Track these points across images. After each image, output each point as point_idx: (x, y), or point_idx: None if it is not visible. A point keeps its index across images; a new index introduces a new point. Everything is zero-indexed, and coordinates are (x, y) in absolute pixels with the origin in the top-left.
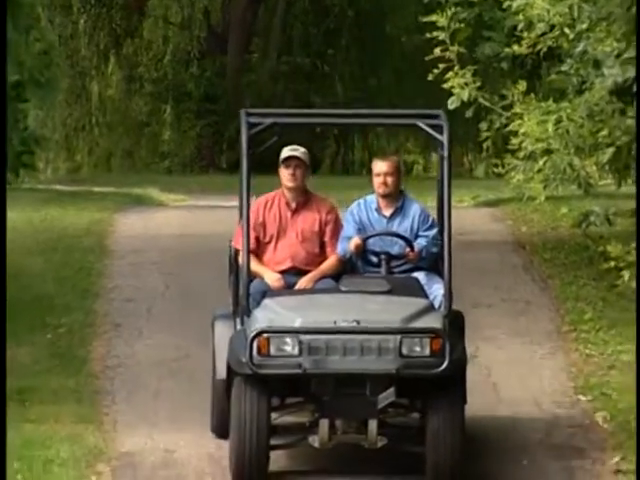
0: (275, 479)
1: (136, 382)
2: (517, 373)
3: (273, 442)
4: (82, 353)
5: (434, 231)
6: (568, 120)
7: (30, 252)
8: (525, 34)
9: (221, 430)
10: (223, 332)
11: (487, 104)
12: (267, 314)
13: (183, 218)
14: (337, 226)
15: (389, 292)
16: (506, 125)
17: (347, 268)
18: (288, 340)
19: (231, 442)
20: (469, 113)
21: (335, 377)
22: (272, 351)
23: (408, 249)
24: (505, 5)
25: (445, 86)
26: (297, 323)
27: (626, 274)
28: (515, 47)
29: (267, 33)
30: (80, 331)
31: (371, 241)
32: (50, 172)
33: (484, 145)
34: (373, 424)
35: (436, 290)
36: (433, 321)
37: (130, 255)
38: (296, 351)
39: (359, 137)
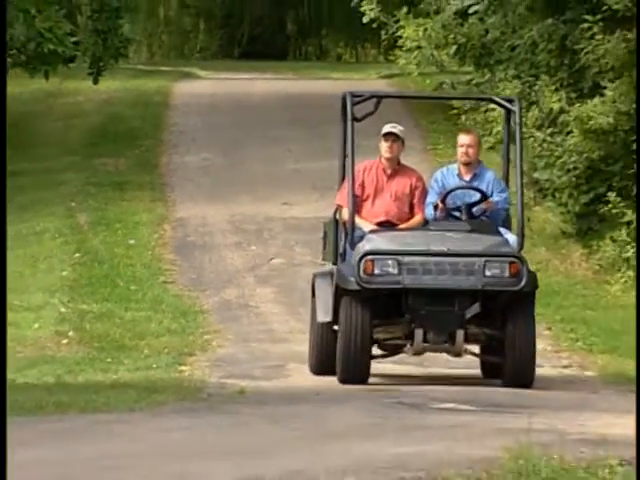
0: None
1: (186, 178)
2: None
3: (374, 352)
4: (155, 161)
5: (506, 193)
6: (430, 29)
7: (125, 104)
8: None
9: (319, 369)
10: (322, 285)
11: (385, 20)
12: (371, 243)
13: (212, 85)
14: (423, 191)
15: (470, 231)
16: (396, 32)
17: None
18: (389, 262)
19: (338, 349)
20: (374, 25)
21: (429, 292)
22: (376, 270)
23: (484, 200)
24: None
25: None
26: (396, 247)
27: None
28: None
29: None
30: (153, 149)
31: (452, 199)
32: (135, 58)
33: (383, 43)
34: (460, 334)
35: (507, 235)
36: (511, 250)
37: (182, 106)
38: (396, 270)
39: None
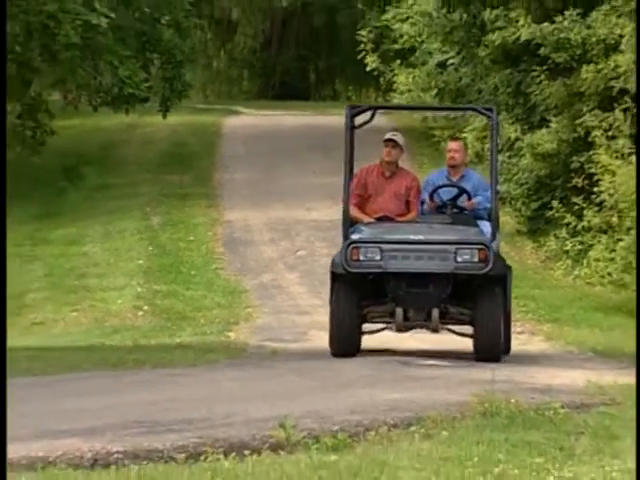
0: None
1: (233, 190)
2: None
3: (363, 329)
4: (209, 177)
5: (488, 193)
6: (418, 77)
7: (187, 134)
8: None
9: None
10: None
11: (383, 70)
12: (359, 233)
13: (252, 119)
14: (417, 191)
15: (450, 223)
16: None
17: None
18: (372, 249)
19: (330, 327)
20: (375, 73)
21: (407, 276)
22: (361, 257)
23: (467, 198)
24: None
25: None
26: (379, 237)
27: None
28: None
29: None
30: (208, 168)
31: (439, 196)
32: (194, 99)
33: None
34: (435, 312)
35: (485, 227)
36: (481, 239)
37: (230, 136)
38: (379, 257)
39: None
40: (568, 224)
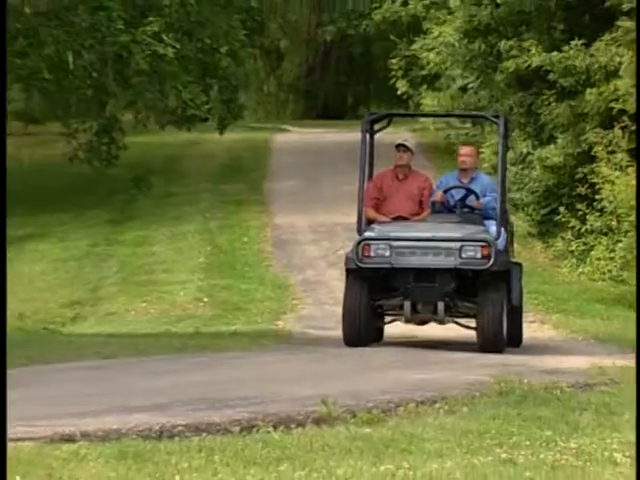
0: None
1: (281, 197)
2: None
3: (374, 321)
4: (261, 186)
5: (496, 194)
6: (442, 99)
7: (241, 149)
8: None
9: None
10: None
11: (411, 93)
12: (370, 232)
13: (298, 136)
14: (430, 192)
15: (457, 222)
16: (418, 101)
17: None
18: (382, 245)
19: (343, 318)
20: (405, 97)
21: (414, 271)
22: (371, 253)
23: (475, 199)
24: None
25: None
26: (388, 235)
27: None
28: None
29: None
30: (260, 178)
31: (450, 197)
32: (248, 119)
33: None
34: (441, 305)
35: (493, 227)
36: (485, 236)
37: (278, 150)
38: (388, 253)
39: None
40: (573, 227)
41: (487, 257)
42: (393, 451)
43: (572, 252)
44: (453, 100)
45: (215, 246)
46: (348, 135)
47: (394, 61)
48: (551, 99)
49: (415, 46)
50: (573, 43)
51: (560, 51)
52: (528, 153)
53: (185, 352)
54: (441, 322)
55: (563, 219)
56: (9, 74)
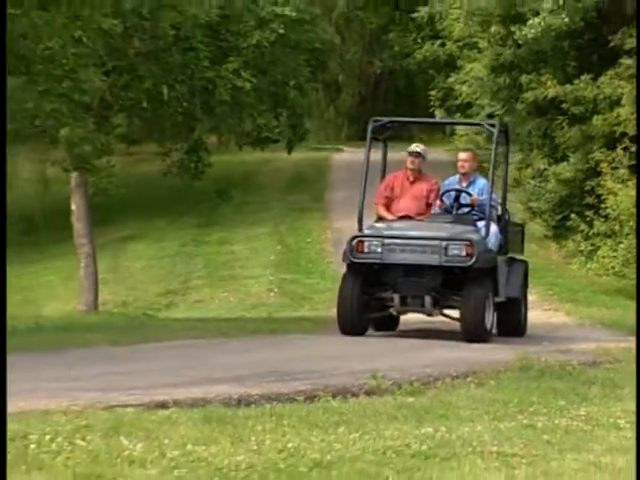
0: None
1: (338, 205)
2: None
3: (367, 314)
4: (321, 196)
5: (493, 195)
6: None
7: (305, 165)
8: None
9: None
10: None
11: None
12: (368, 229)
13: (352, 155)
14: (436, 194)
15: (450, 222)
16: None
17: None
18: (375, 242)
19: (337, 309)
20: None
21: (403, 266)
22: (365, 249)
23: (469, 197)
24: None
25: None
26: (382, 232)
27: None
28: None
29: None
30: (321, 190)
31: (447, 199)
32: (311, 140)
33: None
34: (428, 299)
35: (491, 227)
36: (470, 236)
37: (335, 167)
38: (379, 249)
39: None
40: (582, 231)
41: (470, 255)
42: (432, 417)
43: (581, 251)
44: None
45: (284, 246)
46: (392, 154)
47: (433, 92)
48: (564, 124)
49: (450, 80)
50: (583, 77)
51: (572, 84)
52: (545, 169)
53: (259, 334)
54: (429, 314)
55: (574, 224)
56: (115, 105)
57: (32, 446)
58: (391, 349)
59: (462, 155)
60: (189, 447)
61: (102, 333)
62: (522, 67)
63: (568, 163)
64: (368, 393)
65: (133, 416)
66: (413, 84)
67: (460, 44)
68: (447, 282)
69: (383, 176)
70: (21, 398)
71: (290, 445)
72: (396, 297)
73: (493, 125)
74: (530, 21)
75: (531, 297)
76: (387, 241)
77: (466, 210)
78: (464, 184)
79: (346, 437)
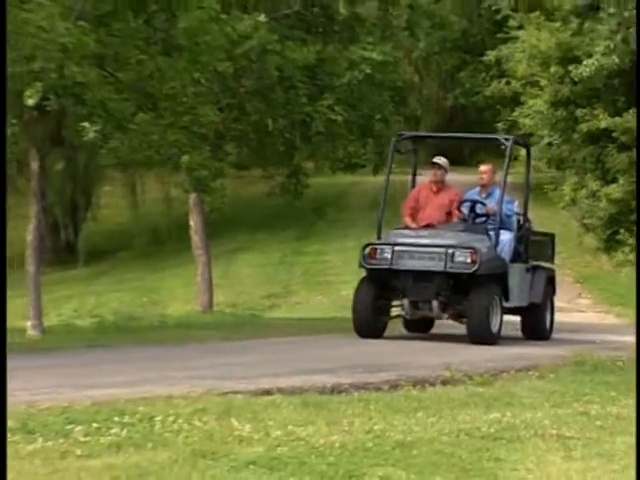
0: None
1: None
2: None
3: (382, 317)
4: (398, 213)
5: (511, 205)
6: None
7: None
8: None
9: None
10: None
11: None
12: (384, 237)
13: (424, 177)
14: (457, 204)
15: (460, 230)
16: None
17: None
18: (387, 249)
19: (352, 312)
20: None
21: (412, 272)
22: (377, 256)
23: (483, 207)
24: None
25: None
26: (393, 240)
27: None
28: None
29: None
30: (398, 209)
31: (465, 209)
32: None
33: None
34: (435, 303)
35: (504, 236)
36: (475, 244)
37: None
38: (390, 256)
39: None
40: (630, 244)
41: (474, 262)
42: (499, 404)
43: (629, 261)
44: (542, 153)
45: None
46: (464, 177)
47: (499, 124)
48: (614, 151)
49: (515, 114)
50: (630, 110)
51: (621, 116)
52: (597, 190)
53: (348, 332)
54: (438, 318)
55: (623, 238)
56: (227, 135)
57: (157, 426)
58: (461, 345)
59: (482, 168)
60: (290, 428)
61: (216, 330)
62: (578, 102)
63: (617, 185)
64: (443, 383)
65: (242, 401)
66: (482, 117)
67: (523, 82)
68: (455, 287)
69: (413, 186)
70: (148, 385)
71: (376, 427)
72: (406, 302)
73: (507, 139)
74: (585, 62)
75: (584, 301)
76: (397, 248)
77: (482, 219)
78: (483, 195)
79: (424, 421)
